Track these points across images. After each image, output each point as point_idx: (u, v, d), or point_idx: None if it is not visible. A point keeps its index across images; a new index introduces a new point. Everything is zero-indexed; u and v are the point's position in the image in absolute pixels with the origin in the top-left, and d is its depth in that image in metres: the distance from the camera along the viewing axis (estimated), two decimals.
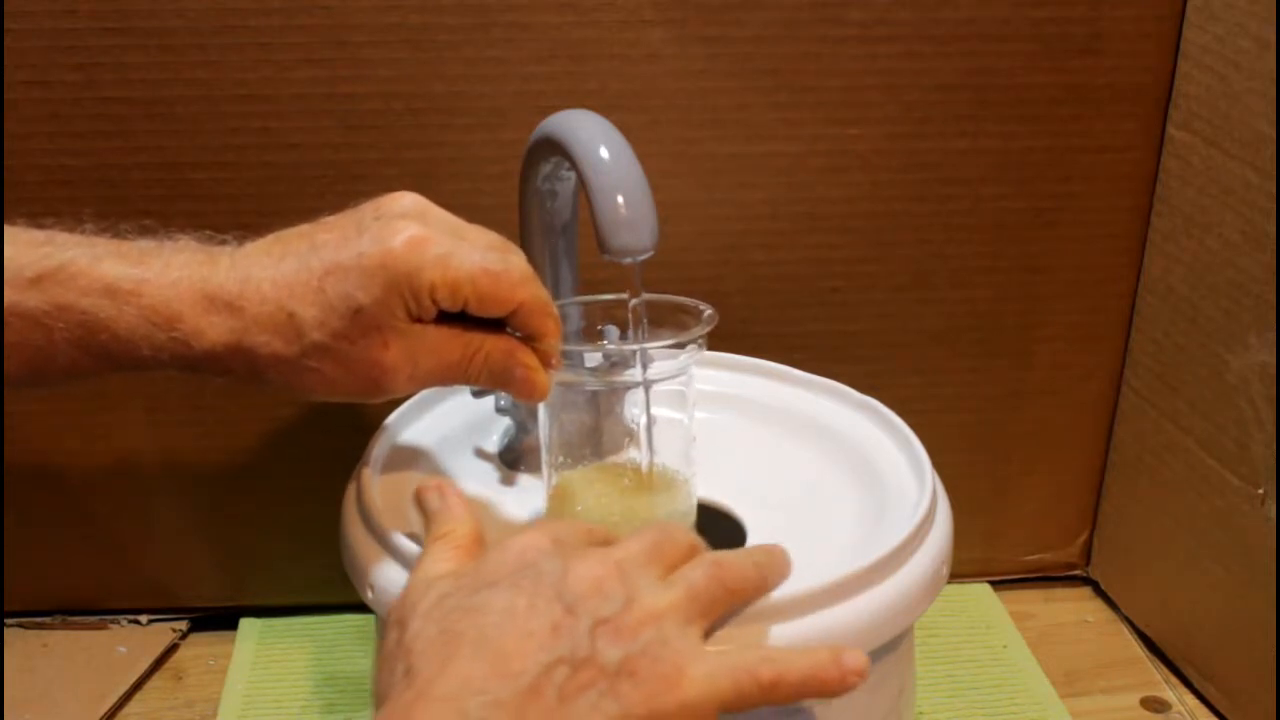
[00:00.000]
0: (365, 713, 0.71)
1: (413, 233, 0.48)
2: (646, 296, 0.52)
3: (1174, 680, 0.75)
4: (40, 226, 0.50)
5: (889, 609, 0.49)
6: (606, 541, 0.45)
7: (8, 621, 0.78)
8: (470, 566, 0.44)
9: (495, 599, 0.41)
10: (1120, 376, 0.78)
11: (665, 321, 0.53)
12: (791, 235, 0.72)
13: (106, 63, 0.65)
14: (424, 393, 0.63)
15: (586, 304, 0.57)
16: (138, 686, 0.74)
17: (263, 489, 0.76)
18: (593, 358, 0.55)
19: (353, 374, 0.49)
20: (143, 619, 0.79)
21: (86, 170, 0.67)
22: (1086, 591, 0.84)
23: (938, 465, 0.57)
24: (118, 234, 0.51)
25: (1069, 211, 0.73)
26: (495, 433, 0.64)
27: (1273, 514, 0.65)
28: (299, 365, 0.49)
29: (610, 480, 0.54)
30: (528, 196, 0.57)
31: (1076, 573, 0.84)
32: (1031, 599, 0.83)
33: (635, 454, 0.54)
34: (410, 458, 0.61)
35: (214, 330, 0.48)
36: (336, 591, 0.69)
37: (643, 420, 0.53)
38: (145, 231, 0.51)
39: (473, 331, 0.50)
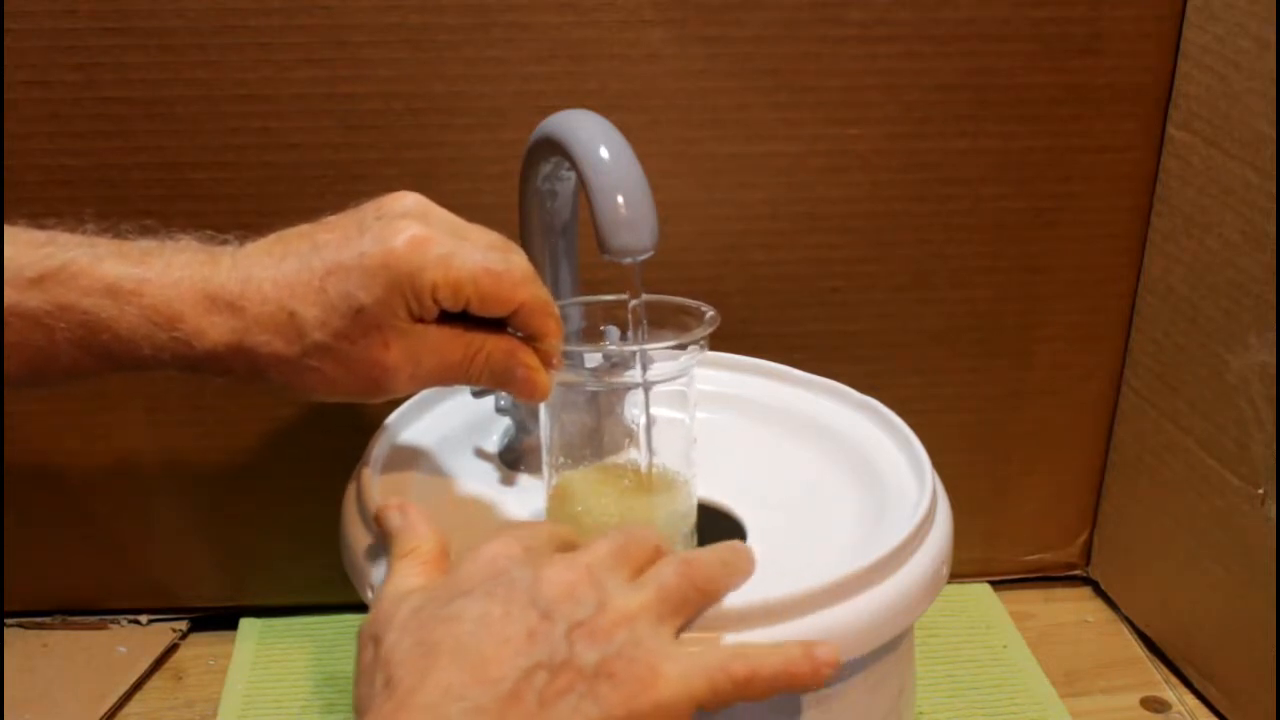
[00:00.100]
0: None
1: (414, 232, 0.48)
2: (648, 297, 0.52)
3: (1174, 680, 0.75)
4: (41, 227, 0.50)
5: (889, 609, 0.49)
6: (572, 546, 0.45)
7: (8, 621, 0.78)
8: (440, 579, 0.44)
9: (470, 608, 0.41)
10: (1120, 376, 0.78)
11: (667, 322, 0.53)
12: (791, 235, 0.72)
13: (106, 63, 0.65)
14: (424, 393, 0.63)
15: (587, 304, 0.57)
16: (138, 686, 0.74)
17: (263, 489, 0.76)
18: (593, 358, 0.55)
19: (354, 374, 0.49)
20: (143, 619, 0.79)
21: (86, 170, 0.67)
22: (1086, 591, 0.84)
23: (938, 465, 0.57)
24: (119, 234, 0.51)
25: (1069, 211, 0.73)
26: (495, 433, 0.63)
27: (1273, 514, 0.65)
28: (300, 365, 0.49)
29: (610, 481, 0.54)
30: (528, 196, 0.57)
31: (1076, 573, 0.84)
32: (1031, 599, 0.83)
33: (635, 455, 0.54)
34: (410, 458, 0.61)
35: (215, 330, 0.48)
36: (336, 591, 0.69)
37: (643, 421, 0.53)
38: (146, 231, 0.51)
39: (474, 331, 0.50)
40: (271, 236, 0.50)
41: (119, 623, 0.78)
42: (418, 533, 0.48)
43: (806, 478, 0.60)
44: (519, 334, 0.51)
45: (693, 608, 0.45)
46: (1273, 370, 0.64)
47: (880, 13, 0.67)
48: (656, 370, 0.53)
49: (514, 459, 0.62)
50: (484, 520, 0.57)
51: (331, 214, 0.51)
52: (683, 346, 0.52)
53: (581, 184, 0.50)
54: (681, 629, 0.44)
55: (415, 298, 0.48)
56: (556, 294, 0.59)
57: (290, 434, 0.74)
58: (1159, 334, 0.74)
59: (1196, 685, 0.74)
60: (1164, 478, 0.75)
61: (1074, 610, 0.82)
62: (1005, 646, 0.77)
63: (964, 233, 0.73)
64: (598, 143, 0.50)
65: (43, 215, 0.51)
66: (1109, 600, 0.82)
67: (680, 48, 0.67)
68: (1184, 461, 0.73)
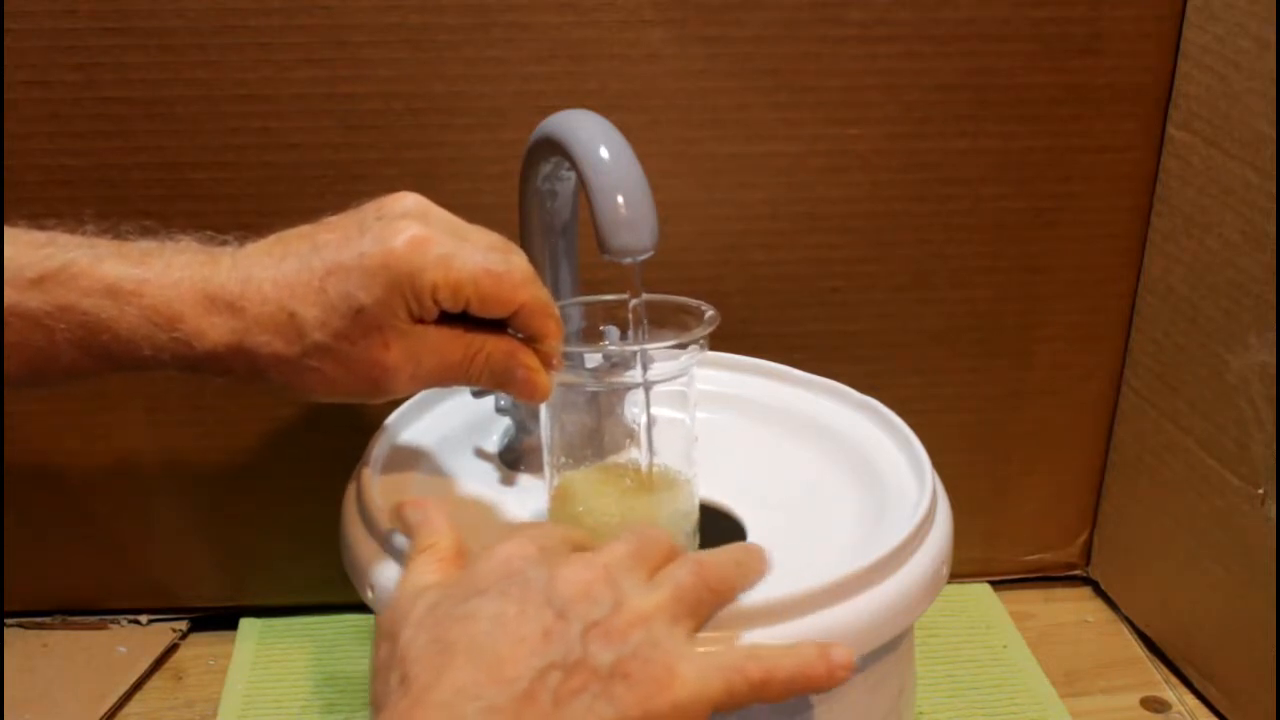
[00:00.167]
0: (365, 713, 0.71)
1: (415, 233, 0.48)
2: (648, 297, 0.52)
3: (1174, 680, 0.75)
4: (41, 227, 0.50)
5: (889, 609, 0.49)
6: (587, 547, 0.45)
7: (8, 621, 0.78)
8: (457, 576, 0.44)
9: (485, 606, 0.41)
10: (1120, 376, 0.78)
11: (667, 322, 0.53)
12: (791, 235, 0.72)
13: (106, 63, 0.65)
14: (424, 393, 0.63)
15: (587, 304, 0.57)
16: (138, 686, 0.74)
17: (263, 489, 0.76)
18: (594, 358, 0.55)
19: (354, 374, 0.49)
20: (143, 619, 0.79)
21: (86, 170, 0.67)
22: (1086, 591, 0.84)
23: (938, 465, 0.57)
24: (119, 234, 0.51)
25: (1069, 211, 0.73)
26: (495, 433, 0.64)
27: (1273, 514, 0.65)
28: (300, 365, 0.49)
29: (612, 481, 0.54)
30: (528, 196, 0.57)
31: (1076, 573, 0.84)
32: (1031, 599, 0.83)
33: (636, 454, 0.54)
34: (410, 458, 0.61)
35: (215, 331, 0.48)
36: (336, 591, 0.69)
37: (643, 421, 0.53)
38: (146, 232, 0.51)
39: (474, 332, 0.50)
40: (271, 237, 0.50)
41: (119, 623, 0.78)
42: (435, 528, 0.48)
43: (806, 478, 0.60)
44: (519, 335, 0.51)
45: (707, 608, 0.45)
46: (1273, 370, 0.64)
47: (880, 13, 0.67)
48: (657, 370, 0.53)
49: (514, 459, 0.62)
50: (484, 520, 0.57)
51: (331, 214, 0.51)
52: (683, 346, 0.52)
53: (581, 184, 0.50)
54: (696, 630, 0.44)
55: (415, 298, 0.48)
56: (556, 294, 0.59)
57: (290, 434, 0.74)
58: (1159, 334, 0.74)
59: (1196, 685, 0.74)
60: (1164, 478, 0.75)
61: (1074, 610, 0.82)
62: (1005, 646, 0.77)
63: (964, 233, 0.73)
64: (598, 143, 0.50)
65: (43, 215, 0.51)
66: (1109, 600, 0.82)
67: (680, 48, 0.67)
68: (1184, 461, 0.73)
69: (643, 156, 0.51)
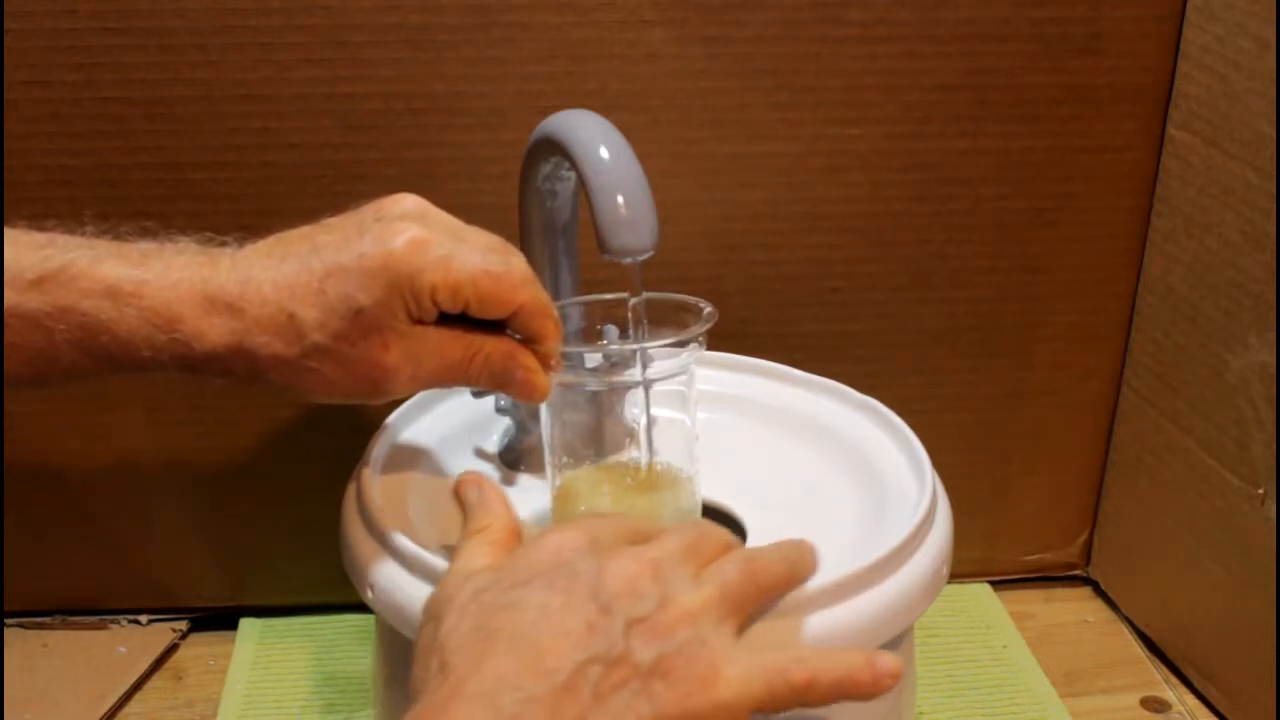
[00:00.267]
0: (365, 713, 0.71)
1: (414, 234, 0.48)
2: (646, 295, 0.52)
3: (1174, 680, 0.75)
4: (41, 228, 0.50)
5: (889, 609, 0.49)
6: (643, 539, 0.45)
7: (8, 621, 0.78)
8: (507, 562, 0.44)
9: (531, 596, 0.41)
10: (1120, 376, 0.78)
11: (666, 320, 0.53)
12: (791, 235, 0.72)
13: (106, 63, 0.65)
14: (424, 393, 0.63)
15: (586, 304, 0.57)
16: (138, 686, 0.74)
17: (263, 489, 0.76)
18: (593, 358, 0.55)
19: (353, 375, 0.49)
20: (143, 619, 0.79)
21: (86, 170, 0.67)
22: (1086, 591, 0.84)
23: (938, 465, 0.57)
24: (118, 235, 0.51)
25: (1069, 211, 0.73)
26: (495, 433, 0.64)
27: (1273, 514, 0.65)
28: (300, 366, 0.48)
29: (614, 480, 0.54)
30: (528, 196, 0.57)
31: (1076, 573, 0.84)
32: (1031, 599, 0.83)
33: (637, 453, 0.54)
34: (410, 458, 0.61)
35: (214, 332, 0.48)
36: (336, 591, 0.69)
37: (643, 420, 0.53)
38: (145, 233, 0.51)
39: (473, 333, 0.50)
40: (271, 238, 0.50)
41: (119, 623, 0.79)
42: (491, 510, 0.48)
43: (806, 478, 0.60)
44: (518, 336, 0.51)
45: (753, 605, 0.44)
46: (1273, 370, 0.64)
47: (880, 13, 0.67)
48: (656, 368, 0.53)
49: (514, 459, 0.62)
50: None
51: (331, 214, 0.51)
52: (682, 344, 0.52)
53: (581, 184, 0.50)
54: (742, 627, 0.43)
55: (414, 299, 0.48)
56: (556, 294, 0.59)
57: (290, 434, 0.74)
58: (1159, 334, 0.74)
59: (1196, 685, 0.74)
60: (1164, 478, 0.75)
61: (1074, 610, 0.82)
62: (1005, 646, 0.77)
63: (964, 233, 0.73)
64: (598, 143, 0.50)
65: (43, 216, 0.51)
66: (1109, 600, 0.82)
67: (680, 48, 0.67)
68: (1184, 461, 0.73)
69: (643, 156, 0.51)
